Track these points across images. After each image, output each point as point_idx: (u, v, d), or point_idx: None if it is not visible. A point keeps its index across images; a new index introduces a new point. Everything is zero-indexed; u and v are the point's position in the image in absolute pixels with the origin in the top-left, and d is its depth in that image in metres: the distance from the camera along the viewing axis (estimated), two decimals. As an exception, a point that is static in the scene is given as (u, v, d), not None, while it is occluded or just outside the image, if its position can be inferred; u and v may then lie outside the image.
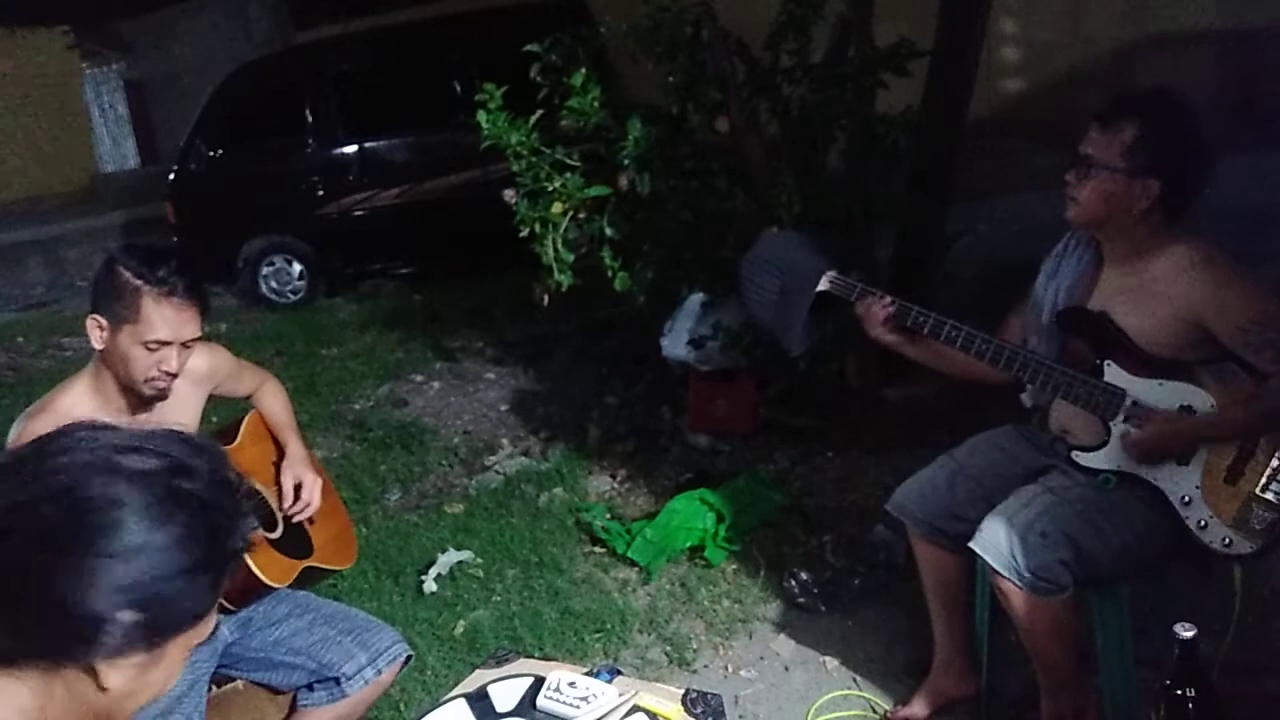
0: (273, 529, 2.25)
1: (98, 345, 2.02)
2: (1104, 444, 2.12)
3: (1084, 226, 2.16)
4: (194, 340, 2.05)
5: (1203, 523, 2.04)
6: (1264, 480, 1.99)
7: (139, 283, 1.97)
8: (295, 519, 2.33)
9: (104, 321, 1.99)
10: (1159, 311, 2.05)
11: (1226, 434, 2.03)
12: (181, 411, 2.20)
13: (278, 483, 2.36)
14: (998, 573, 2.08)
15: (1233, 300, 1.99)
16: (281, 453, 2.40)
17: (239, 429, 2.39)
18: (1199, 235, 2.07)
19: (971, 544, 2.13)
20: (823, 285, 2.34)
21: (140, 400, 2.07)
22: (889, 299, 2.26)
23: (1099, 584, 2.15)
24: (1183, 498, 2.05)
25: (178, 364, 2.02)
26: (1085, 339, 2.16)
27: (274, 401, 2.46)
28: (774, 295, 2.45)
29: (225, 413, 2.60)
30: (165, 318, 1.97)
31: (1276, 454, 1.99)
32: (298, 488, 2.35)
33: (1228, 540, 2.03)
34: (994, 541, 2.08)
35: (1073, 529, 2.06)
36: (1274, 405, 1.97)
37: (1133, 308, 2.09)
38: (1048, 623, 2.10)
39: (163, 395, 2.07)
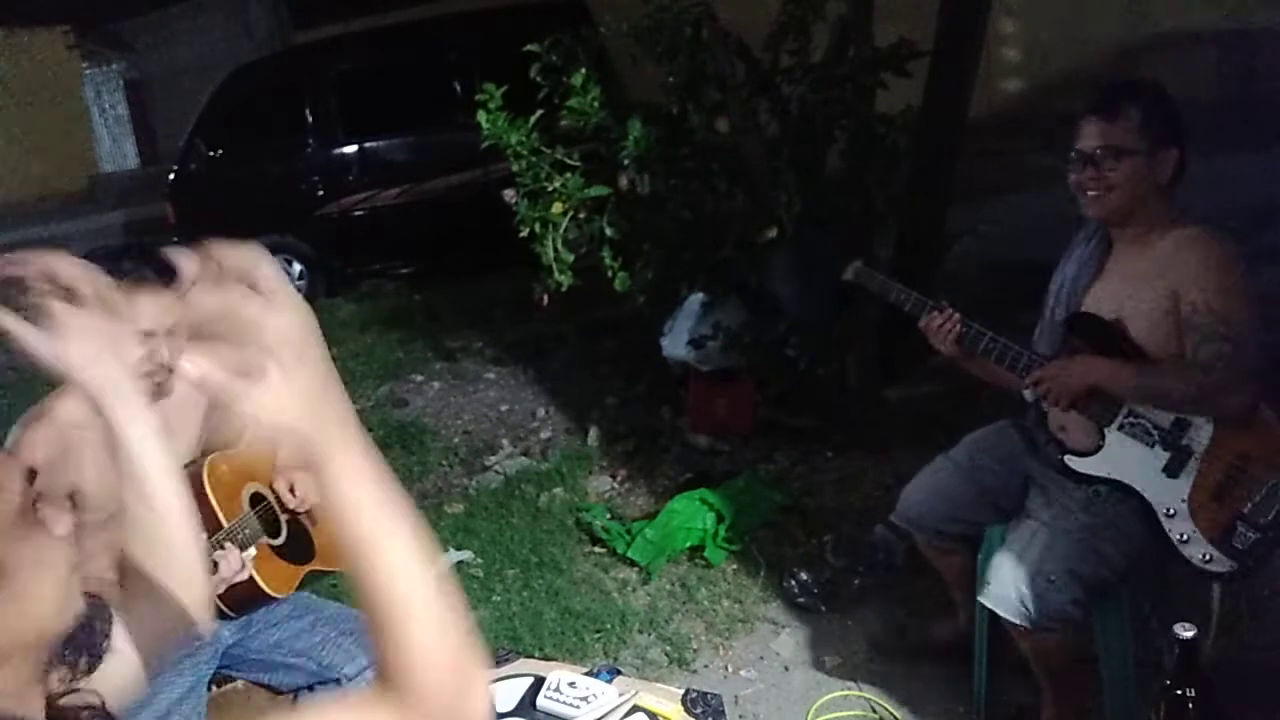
0: (276, 535, 2.22)
1: None
2: (1098, 449, 2.11)
3: (1113, 216, 2.12)
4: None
5: (1185, 536, 2.02)
6: (1253, 501, 1.97)
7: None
8: (297, 516, 2.31)
9: None
10: (1159, 294, 2.04)
11: (1117, 386, 2.06)
12: (182, 416, 2.18)
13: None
14: (1012, 622, 2.08)
15: (1210, 283, 1.98)
16: None
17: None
18: (1213, 226, 2.07)
19: (981, 598, 2.13)
20: (847, 275, 2.40)
21: None
22: (955, 316, 2.24)
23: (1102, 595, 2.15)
24: (1168, 509, 2.04)
25: (169, 355, 1.97)
26: (1090, 345, 2.14)
27: None
28: (797, 282, 2.49)
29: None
30: (144, 309, 1.92)
31: (1269, 476, 1.97)
32: (292, 487, 2.33)
33: (1208, 556, 2.01)
34: (1004, 595, 2.07)
35: (1077, 564, 2.05)
36: (1172, 386, 2.01)
37: (1136, 294, 2.08)
38: (1055, 646, 2.13)
39: (163, 391, 2.04)
